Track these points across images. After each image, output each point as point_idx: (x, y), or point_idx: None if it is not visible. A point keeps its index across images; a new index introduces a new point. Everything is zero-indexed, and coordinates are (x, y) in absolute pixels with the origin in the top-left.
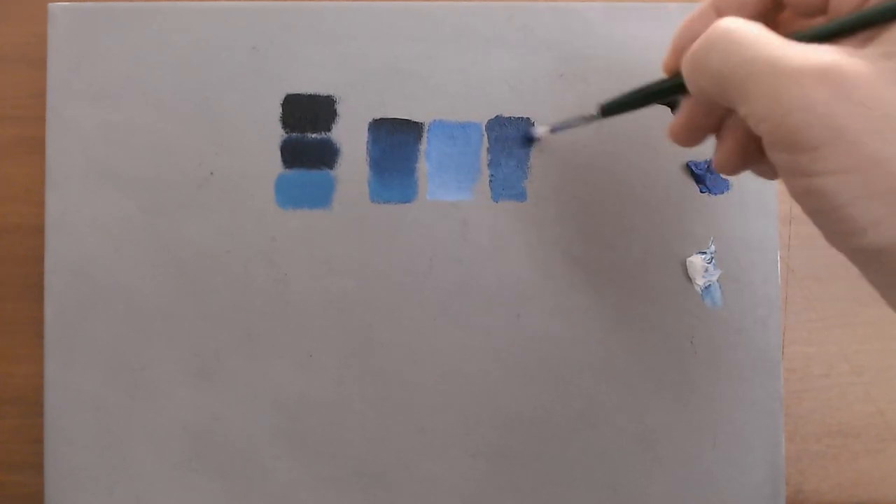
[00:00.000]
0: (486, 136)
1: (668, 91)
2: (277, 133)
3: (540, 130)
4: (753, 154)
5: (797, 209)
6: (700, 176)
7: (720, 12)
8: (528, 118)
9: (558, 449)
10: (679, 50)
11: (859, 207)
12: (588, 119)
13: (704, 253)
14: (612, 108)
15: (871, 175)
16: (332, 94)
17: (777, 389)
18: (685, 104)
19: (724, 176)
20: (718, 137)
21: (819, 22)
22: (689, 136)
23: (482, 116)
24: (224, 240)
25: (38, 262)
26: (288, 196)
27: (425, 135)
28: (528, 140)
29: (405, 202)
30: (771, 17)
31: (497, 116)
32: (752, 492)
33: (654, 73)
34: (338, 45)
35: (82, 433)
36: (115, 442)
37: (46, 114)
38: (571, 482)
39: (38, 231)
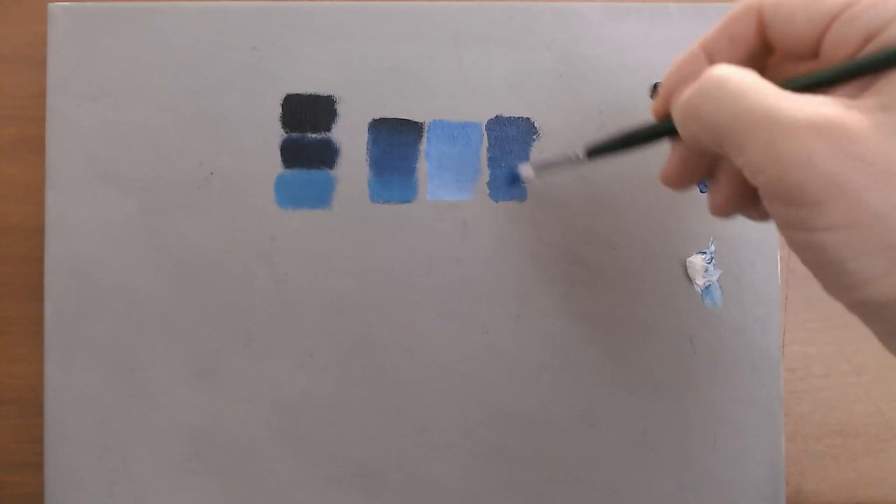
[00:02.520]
0: (486, 136)
1: (658, 135)
2: (277, 133)
3: (525, 172)
4: (749, 197)
5: None
6: None
7: (710, 55)
8: (528, 118)
9: (558, 449)
10: (668, 94)
11: (860, 263)
12: (574, 161)
13: (704, 253)
14: (599, 151)
15: (871, 231)
16: (332, 94)
17: (777, 389)
18: (676, 149)
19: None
20: (712, 181)
21: (810, 66)
22: (681, 181)
23: (482, 116)
24: (224, 240)
25: (38, 262)
26: (288, 196)
27: (425, 135)
28: (514, 178)
29: (405, 202)
30: (761, 60)
31: (497, 116)
32: (752, 492)
33: (654, 73)
34: (338, 45)
35: (82, 433)
36: (115, 442)
37: (46, 114)
38: (571, 482)
39: (38, 231)
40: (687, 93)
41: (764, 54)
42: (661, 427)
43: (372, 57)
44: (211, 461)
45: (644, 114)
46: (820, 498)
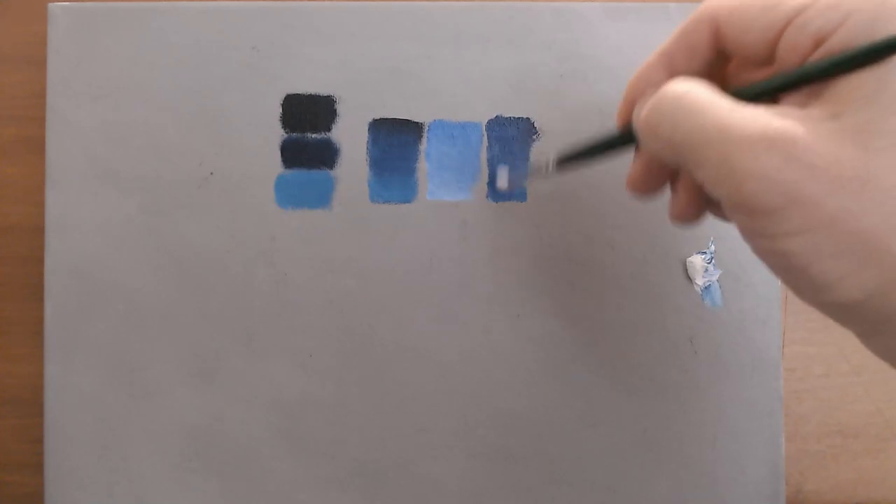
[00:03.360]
0: (486, 136)
1: (623, 142)
2: (277, 133)
3: (500, 181)
4: (709, 204)
5: None
6: None
7: (669, 63)
8: (528, 118)
9: (558, 449)
10: (630, 103)
11: (822, 266)
12: (544, 171)
13: (704, 253)
14: (567, 160)
15: (829, 234)
16: (332, 94)
17: (777, 389)
18: (639, 156)
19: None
20: (672, 189)
21: (767, 72)
22: (646, 188)
23: (482, 116)
24: (224, 240)
25: (38, 262)
26: (288, 196)
27: (425, 135)
28: (493, 183)
29: (405, 202)
30: (720, 66)
31: (497, 116)
32: (752, 492)
33: None
34: (338, 45)
35: (82, 433)
36: (115, 442)
37: (46, 114)
38: (571, 482)
39: (38, 231)
40: (645, 110)
41: (722, 61)
42: (661, 427)
43: (372, 57)
44: (211, 461)
45: None
46: (820, 498)
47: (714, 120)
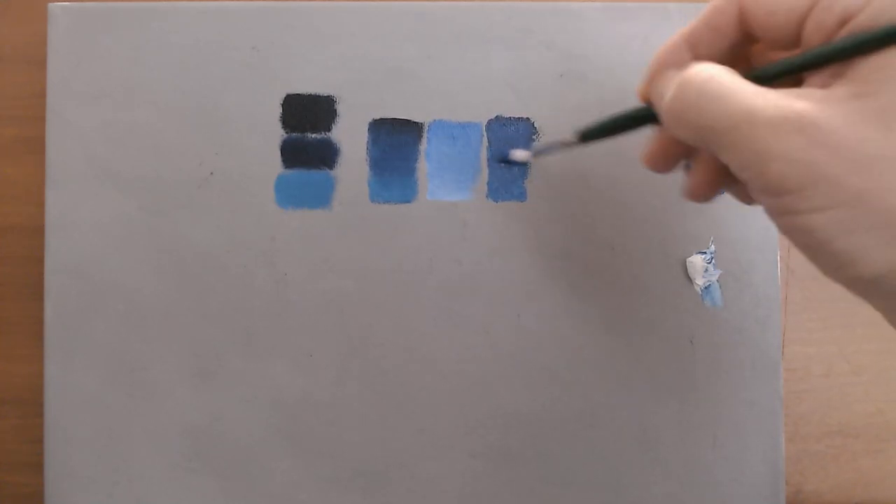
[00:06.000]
0: (486, 136)
1: (645, 119)
2: (277, 133)
3: (518, 154)
4: (725, 181)
5: None
6: None
7: (693, 45)
8: (528, 118)
9: (558, 449)
10: (653, 80)
11: (847, 240)
12: (567, 144)
13: (704, 253)
14: (591, 135)
15: (854, 210)
16: (332, 94)
17: (777, 389)
18: (659, 132)
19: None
20: (688, 166)
21: (791, 55)
22: (663, 163)
23: (482, 116)
24: (224, 240)
25: (38, 262)
26: (288, 196)
27: (425, 135)
28: (504, 160)
29: (405, 202)
30: (743, 49)
31: (497, 116)
32: (752, 492)
33: None
34: (338, 45)
35: (82, 433)
36: (115, 442)
37: (46, 114)
38: (571, 482)
39: (38, 231)
40: (669, 97)
41: (746, 44)
42: (661, 427)
43: (372, 57)
44: (211, 461)
45: None
46: (820, 498)
47: (739, 104)
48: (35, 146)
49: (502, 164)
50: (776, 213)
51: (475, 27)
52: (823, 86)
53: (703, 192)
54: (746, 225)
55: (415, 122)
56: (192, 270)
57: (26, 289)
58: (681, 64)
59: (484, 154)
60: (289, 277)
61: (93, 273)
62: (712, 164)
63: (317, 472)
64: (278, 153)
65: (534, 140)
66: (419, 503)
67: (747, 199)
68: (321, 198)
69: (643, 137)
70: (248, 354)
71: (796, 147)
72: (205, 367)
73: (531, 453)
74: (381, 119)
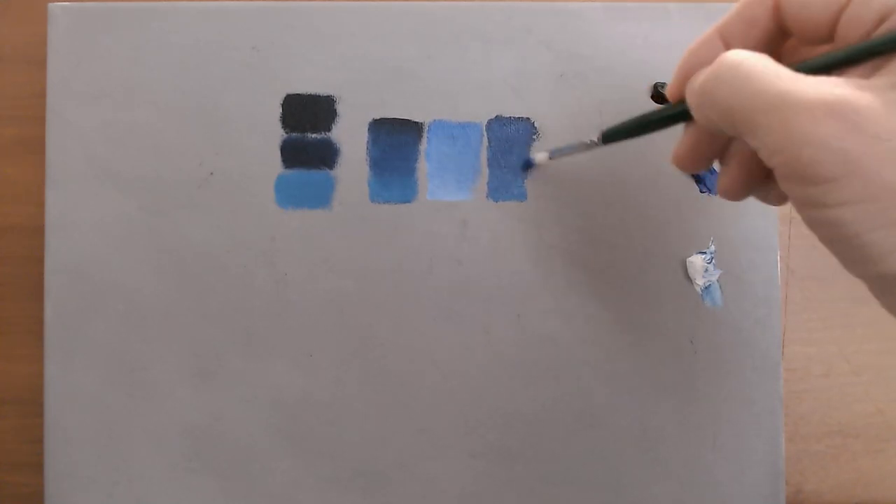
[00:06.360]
0: (485, 136)
1: (673, 119)
2: (277, 133)
3: (539, 156)
4: (759, 179)
5: None
6: (700, 176)
7: (725, 40)
8: (528, 118)
9: (558, 449)
10: (684, 78)
11: (876, 235)
12: (589, 146)
13: (704, 253)
14: (614, 136)
15: (886, 204)
16: (332, 94)
17: (777, 389)
18: (689, 131)
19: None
20: (723, 163)
21: (825, 51)
22: (693, 163)
23: (482, 116)
24: (224, 240)
25: (38, 262)
26: (288, 196)
27: (425, 135)
28: (527, 165)
29: (405, 202)
30: (777, 45)
31: (497, 116)
32: (752, 492)
33: (654, 73)
34: (338, 45)
35: (82, 433)
36: (115, 442)
37: (46, 114)
38: (571, 482)
39: (38, 231)
40: (701, 77)
41: (779, 39)
42: (661, 427)
43: (372, 57)
44: (211, 461)
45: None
46: (820, 498)
47: (774, 86)
48: (35, 146)
49: (526, 170)
50: (803, 205)
51: (475, 27)
52: (863, 78)
53: (736, 191)
54: (746, 225)
55: (415, 122)
56: (192, 270)
57: (26, 289)
58: (713, 60)
59: (484, 154)
60: (289, 277)
61: (93, 273)
62: (744, 161)
63: (317, 472)
64: (278, 153)
65: (534, 140)
66: (419, 503)
67: (776, 199)
68: (321, 198)
69: (643, 137)
70: (248, 354)
71: (832, 133)
72: (205, 367)
73: (531, 453)
74: (381, 119)
